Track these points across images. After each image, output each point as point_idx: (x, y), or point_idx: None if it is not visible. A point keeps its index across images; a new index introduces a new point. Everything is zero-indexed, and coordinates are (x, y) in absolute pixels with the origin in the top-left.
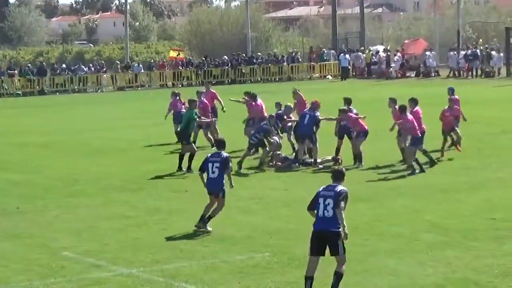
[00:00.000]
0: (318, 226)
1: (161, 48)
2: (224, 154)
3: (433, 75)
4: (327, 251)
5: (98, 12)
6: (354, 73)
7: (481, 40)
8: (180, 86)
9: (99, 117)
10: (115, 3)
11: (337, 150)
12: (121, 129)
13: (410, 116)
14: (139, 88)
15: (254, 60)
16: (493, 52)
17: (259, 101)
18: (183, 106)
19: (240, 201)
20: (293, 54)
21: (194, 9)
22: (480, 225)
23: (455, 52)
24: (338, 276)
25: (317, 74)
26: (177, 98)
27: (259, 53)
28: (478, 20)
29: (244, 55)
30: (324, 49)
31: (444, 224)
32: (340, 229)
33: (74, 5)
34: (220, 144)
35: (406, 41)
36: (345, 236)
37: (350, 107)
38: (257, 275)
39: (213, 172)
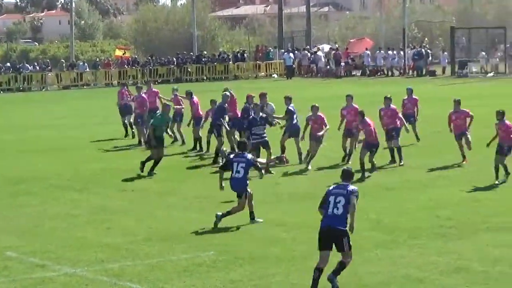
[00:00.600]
0: (326, 223)
1: (107, 47)
2: (249, 155)
3: (380, 73)
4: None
5: (43, 10)
6: (299, 72)
7: (426, 39)
8: None
9: (44, 116)
10: (60, 2)
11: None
12: (66, 128)
13: (369, 122)
14: (84, 87)
15: (203, 59)
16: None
17: (195, 98)
18: (129, 98)
19: (186, 200)
20: (239, 53)
21: (140, 8)
22: (425, 223)
23: (401, 52)
24: (342, 265)
25: (263, 73)
26: (125, 88)
27: (205, 52)
28: (423, 19)
29: (190, 53)
30: (270, 48)
31: (389, 223)
32: (346, 228)
33: (19, 3)
34: (242, 145)
35: (351, 40)
36: (351, 230)
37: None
38: (202, 274)
39: (238, 172)
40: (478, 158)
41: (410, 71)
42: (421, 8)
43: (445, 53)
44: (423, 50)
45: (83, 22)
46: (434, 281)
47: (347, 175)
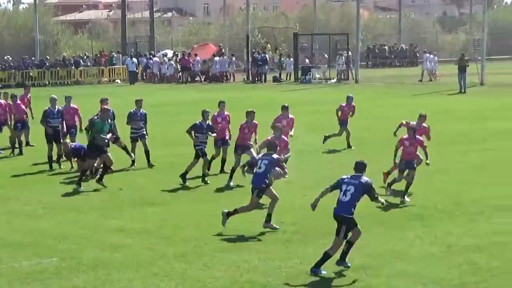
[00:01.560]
0: (336, 210)
1: None
2: (275, 156)
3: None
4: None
5: None
6: (143, 78)
7: (269, 45)
8: None
9: None
10: None
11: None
12: None
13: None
14: None
15: (46, 64)
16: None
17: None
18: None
19: (27, 205)
20: (82, 58)
21: None
22: (269, 228)
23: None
24: (350, 244)
25: (106, 78)
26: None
27: (47, 57)
28: (267, 25)
29: (33, 58)
30: (113, 53)
31: (234, 228)
32: (350, 216)
33: None
34: (271, 146)
35: (195, 46)
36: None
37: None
38: (44, 281)
39: (259, 168)
40: (321, 165)
41: (254, 77)
42: (264, 14)
43: (290, 59)
44: (266, 56)
45: None
46: (277, 286)
47: (360, 167)
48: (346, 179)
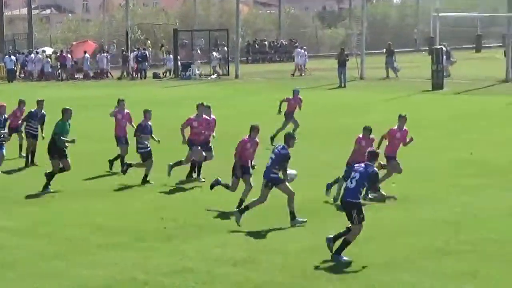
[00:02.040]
0: (343, 196)
1: None
2: (283, 150)
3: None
4: None
5: None
6: (22, 75)
7: (149, 41)
8: None
9: None
10: None
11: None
12: None
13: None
14: None
15: None
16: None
17: None
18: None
19: None
20: None
21: None
22: (149, 225)
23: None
24: (346, 242)
25: None
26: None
27: None
28: (146, 22)
29: None
30: None
31: (114, 226)
32: (357, 201)
33: None
34: (288, 138)
35: (74, 43)
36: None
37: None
38: None
39: (269, 161)
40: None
41: (134, 73)
42: (144, 11)
43: (170, 55)
44: (146, 52)
45: None
46: (159, 283)
47: (372, 156)
48: (355, 167)
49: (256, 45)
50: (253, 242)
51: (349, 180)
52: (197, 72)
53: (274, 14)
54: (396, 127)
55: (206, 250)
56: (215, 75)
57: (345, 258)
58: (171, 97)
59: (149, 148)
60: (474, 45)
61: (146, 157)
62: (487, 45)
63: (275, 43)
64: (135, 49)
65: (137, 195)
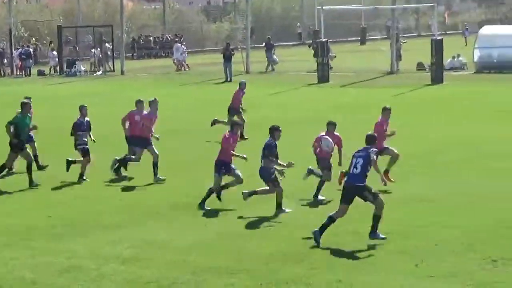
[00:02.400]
0: (347, 182)
1: None
2: (266, 144)
3: None
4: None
5: None
6: None
7: (33, 38)
8: None
9: None
10: None
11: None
12: None
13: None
14: None
15: None
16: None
17: None
18: None
19: None
20: None
21: None
22: (39, 223)
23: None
24: (375, 218)
25: None
26: None
27: None
28: (30, 19)
29: None
30: None
31: (2, 224)
32: (364, 184)
33: None
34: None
35: None
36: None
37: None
38: None
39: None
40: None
41: (19, 71)
42: (27, 8)
43: (54, 52)
44: (30, 49)
45: None
46: (47, 282)
47: (370, 139)
48: (356, 153)
49: (141, 40)
50: (142, 239)
51: (352, 167)
52: (82, 69)
53: (159, 10)
54: (379, 120)
55: (95, 248)
56: (100, 72)
57: (381, 235)
58: (55, 94)
59: (87, 145)
60: (359, 38)
61: (84, 154)
62: (372, 37)
63: (160, 39)
64: (19, 47)
65: (30, 193)
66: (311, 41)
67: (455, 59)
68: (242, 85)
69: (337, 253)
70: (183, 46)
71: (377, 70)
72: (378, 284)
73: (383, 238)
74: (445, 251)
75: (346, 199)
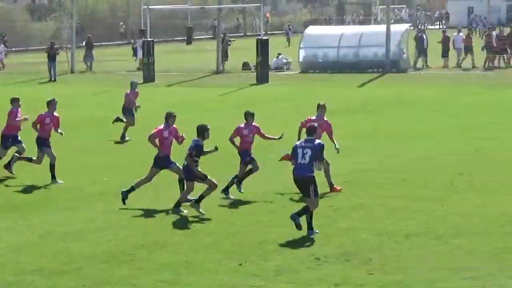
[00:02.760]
0: (296, 173)
1: None
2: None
3: None
4: None
5: None
6: None
7: None
8: None
9: None
10: None
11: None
12: None
13: None
14: None
15: None
16: None
17: None
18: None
19: None
20: None
21: None
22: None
23: None
24: (305, 208)
25: None
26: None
27: None
28: None
29: None
30: None
31: None
32: (312, 174)
33: None
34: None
35: None
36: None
37: None
38: None
39: None
40: None
41: None
42: None
43: None
44: None
45: None
46: None
47: (311, 130)
48: (300, 144)
49: None
50: None
51: (299, 157)
52: None
53: None
54: (315, 117)
55: None
56: None
57: (316, 231)
58: None
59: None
60: (186, 38)
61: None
62: (198, 37)
63: None
64: None
65: None
66: (133, 41)
67: (279, 58)
68: (133, 85)
69: (164, 254)
70: (2, 45)
71: (203, 69)
72: (202, 284)
73: (316, 233)
74: (269, 249)
75: (303, 191)
